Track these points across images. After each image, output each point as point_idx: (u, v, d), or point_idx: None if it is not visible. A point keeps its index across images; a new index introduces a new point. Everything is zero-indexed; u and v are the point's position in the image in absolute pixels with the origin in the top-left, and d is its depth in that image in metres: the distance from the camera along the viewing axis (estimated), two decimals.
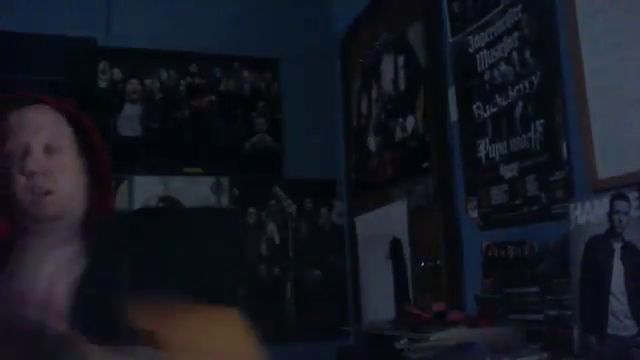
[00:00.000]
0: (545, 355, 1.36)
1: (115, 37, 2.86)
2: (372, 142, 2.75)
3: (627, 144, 1.39)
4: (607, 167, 1.44)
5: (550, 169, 1.63)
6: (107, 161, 1.24)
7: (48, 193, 1.13)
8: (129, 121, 2.89)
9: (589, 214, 1.36)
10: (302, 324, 2.94)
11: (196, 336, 1.01)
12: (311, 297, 2.99)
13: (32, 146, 1.13)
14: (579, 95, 1.53)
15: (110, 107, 2.87)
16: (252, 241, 2.94)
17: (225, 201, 2.94)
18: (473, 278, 1.97)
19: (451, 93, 2.13)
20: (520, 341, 1.47)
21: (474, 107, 1.97)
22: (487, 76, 1.91)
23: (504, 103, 1.82)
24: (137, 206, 2.76)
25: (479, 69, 1.94)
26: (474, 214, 1.97)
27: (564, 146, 1.60)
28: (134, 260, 1.10)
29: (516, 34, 1.77)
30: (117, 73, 2.90)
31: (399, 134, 2.48)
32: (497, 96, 1.85)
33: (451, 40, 2.12)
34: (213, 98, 3.03)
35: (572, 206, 1.42)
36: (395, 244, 2.45)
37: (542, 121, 1.67)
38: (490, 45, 1.89)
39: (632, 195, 1.26)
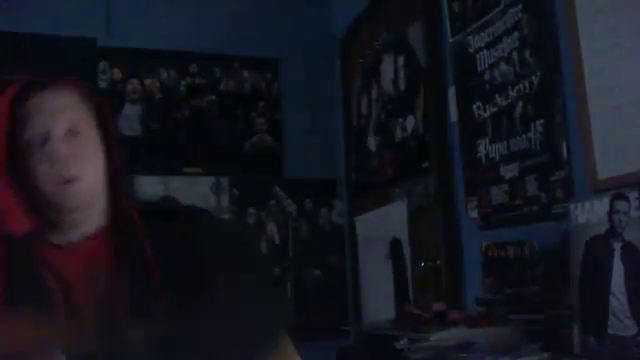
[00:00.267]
0: (545, 355, 1.36)
1: (115, 37, 2.86)
2: (372, 142, 2.75)
3: (627, 144, 1.39)
4: (607, 167, 1.44)
5: (550, 169, 1.63)
6: (122, 146, 1.15)
7: (72, 181, 1.03)
8: (129, 121, 2.90)
9: (589, 214, 1.36)
10: (302, 324, 2.94)
11: None
12: (311, 297, 2.99)
13: (53, 131, 1.04)
14: (579, 95, 1.53)
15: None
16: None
17: (225, 201, 2.95)
18: (473, 278, 1.97)
19: (451, 93, 2.13)
20: (520, 341, 1.47)
21: (474, 107, 1.97)
22: (487, 76, 1.91)
23: (504, 103, 1.82)
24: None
25: (479, 69, 1.94)
26: (474, 214, 1.97)
27: (564, 146, 1.60)
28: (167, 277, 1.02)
29: (516, 34, 1.77)
30: (117, 73, 2.90)
31: (399, 134, 2.48)
32: (497, 96, 1.85)
33: (451, 40, 2.12)
34: (213, 98, 3.03)
35: (572, 206, 1.42)
36: (395, 244, 2.45)
37: (542, 121, 1.67)
38: (490, 45, 1.89)
39: (632, 195, 1.26)
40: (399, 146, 2.48)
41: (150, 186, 2.82)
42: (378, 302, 2.59)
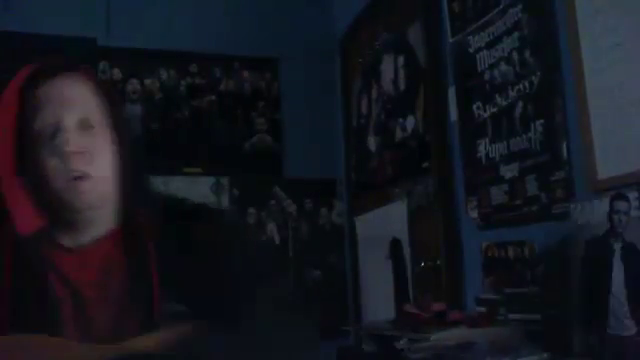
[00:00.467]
0: (545, 355, 1.36)
1: (115, 37, 2.86)
2: (372, 142, 2.75)
3: (627, 144, 1.39)
4: (607, 167, 1.44)
5: (550, 169, 1.63)
6: (136, 142, 1.10)
7: (83, 178, 0.97)
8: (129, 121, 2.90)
9: (589, 214, 1.36)
10: None
11: None
12: (311, 297, 2.99)
13: (64, 122, 0.98)
14: (579, 95, 1.53)
15: None
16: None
17: (225, 201, 2.94)
18: (473, 278, 1.97)
19: (451, 93, 2.13)
20: (520, 341, 1.47)
21: (474, 107, 1.97)
22: (487, 76, 1.91)
23: (504, 103, 1.82)
24: None
25: (479, 69, 1.94)
26: (474, 214, 1.97)
27: (564, 146, 1.60)
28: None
29: (516, 34, 1.77)
30: (117, 73, 2.90)
31: (399, 134, 2.48)
32: (497, 96, 1.85)
33: (451, 40, 2.12)
34: (213, 98, 3.03)
35: (572, 206, 1.42)
36: (395, 244, 2.45)
37: (542, 121, 1.67)
38: (490, 45, 1.89)
39: (632, 195, 1.26)
40: (399, 146, 2.48)
41: None
42: (378, 302, 2.59)
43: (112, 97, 1.06)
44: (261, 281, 1.03)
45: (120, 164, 1.03)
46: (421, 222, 2.30)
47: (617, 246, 1.27)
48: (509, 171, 1.80)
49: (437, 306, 1.81)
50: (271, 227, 3.00)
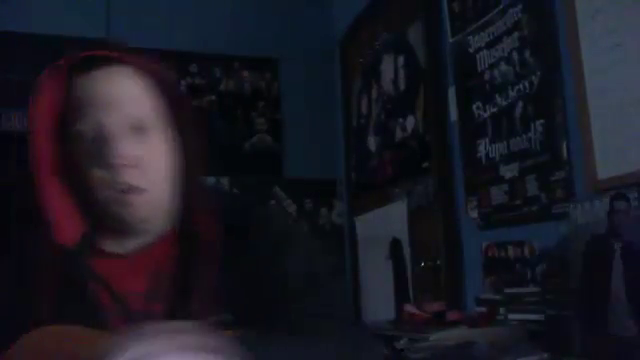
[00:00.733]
0: (545, 355, 1.36)
1: (115, 37, 2.86)
2: (372, 142, 2.75)
3: (627, 144, 1.39)
4: (607, 167, 1.44)
5: (550, 169, 1.63)
6: (200, 142, 0.93)
7: (134, 191, 0.85)
8: None
9: (589, 214, 1.36)
10: None
11: None
12: None
13: (112, 126, 0.84)
14: (579, 95, 1.53)
15: None
16: None
17: None
18: (473, 278, 1.97)
19: (451, 93, 2.13)
20: (520, 341, 1.47)
21: (474, 107, 1.97)
22: (487, 76, 1.91)
23: (504, 103, 1.82)
24: None
25: (479, 69, 1.94)
26: (474, 214, 1.97)
27: (564, 146, 1.60)
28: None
29: (516, 34, 1.77)
30: None
31: (399, 134, 2.48)
32: (497, 96, 1.85)
33: (451, 40, 2.12)
34: (213, 98, 3.03)
35: (572, 206, 1.42)
36: (395, 244, 2.45)
37: (542, 121, 1.67)
38: (490, 45, 1.89)
39: (632, 195, 1.26)
40: (399, 146, 2.48)
41: None
42: (378, 302, 2.59)
43: (173, 94, 0.91)
44: (318, 290, 0.90)
45: (178, 168, 0.91)
46: (421, 222, 2.29)
47: (617, 246, 1.27)
48: (509, 171, 1.80)
49: (437, 306, 1.81)
50: None
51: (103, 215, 0.87)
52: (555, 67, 1.63)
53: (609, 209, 1.30)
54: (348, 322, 0.92)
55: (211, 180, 2.95)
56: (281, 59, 3.14)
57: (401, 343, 1.54)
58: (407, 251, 2.37)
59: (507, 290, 1.66)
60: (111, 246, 0.91)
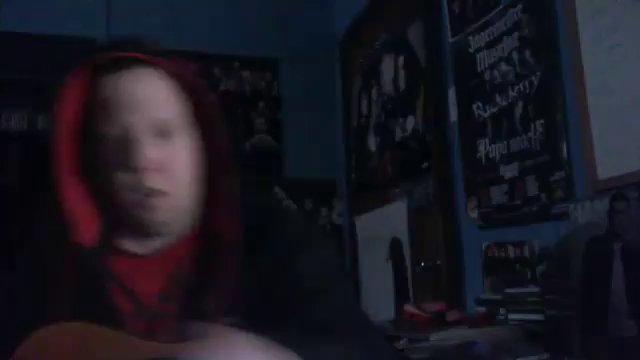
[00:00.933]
0: (545, 355, 1.36)
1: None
2: (372, 142, 2.75)
3: (627, 144, 1.39)
4: (607, 167, 1.44)
5: (550, 169, 1.63)
6: (226, 146, 0.91)
7: (159, 194, 0.84)
8: None
9: (589, 214, 1.36)
10: None
11: None
12: None
13: (138, 130, 0.84)
14: (579, 95, 1.53)
15: None
16: None
17: None
18: (473, 278, 1.97)
19: (451, 93, 2.13)
20: (520, 341, 1.47)
21: (474, 107, 1.97)
22: (487, 76, 1.91)
23: (504, 103, 1.82)
24: None
25: (479, 69, 1.94)
26: (474, 214, 1.97)
27: (564, 146, 1.60)
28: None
29: (516, 34, 1.77)
30: None
31: (399, 134, 2.48)
32: (497, 96, 1.85)
33: (451, 40, 2.12)
34: None
35: (572, 206, 1.42)
36: (395, 244, 2.45)
37: (542, 121, 1.67)
38: (490, 45, 1.89)
39: (632, 195, 1.25)
40: (399, 146, 2.48)
41: None
42: (378, 302, 2.59)
43: (200, 97, 0.91)
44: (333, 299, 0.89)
45: (202, 171, 0.91)
46: (421, 222, 2.29)
47: (617, 246, 1.27)
48: (509, 171, 1.80)
49: (437, 306, 1.81)
50: None
51: (124, 217, 0.87)
52: (555, 67, 1.63)
53: (609, 209, 1.30)
54: (365, 324, 0.92)
55: None
56: (281, 59, 3.14)
57: (401, 343, 1.54)
58: (407, 251, 2.37)
59: (507, 290, 1.66)
60: (130, 246, 0.91)
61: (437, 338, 1.49)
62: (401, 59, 2.49)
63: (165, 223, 0.87)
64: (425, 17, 2.28)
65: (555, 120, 1.63)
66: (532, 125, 1.70)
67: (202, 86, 0.90)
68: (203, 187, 0.91)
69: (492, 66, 1.88)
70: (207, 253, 0.89)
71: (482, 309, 1.74)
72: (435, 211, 2.17)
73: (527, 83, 1.72)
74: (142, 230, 0.88)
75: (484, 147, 1.91)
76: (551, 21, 1.64)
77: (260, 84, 3.12)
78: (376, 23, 2.70)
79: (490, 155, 1.89)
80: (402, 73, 2.48)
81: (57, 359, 0.72)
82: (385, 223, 2.56)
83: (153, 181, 0.84)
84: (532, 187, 1.70)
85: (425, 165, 2.27)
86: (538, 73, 1.68)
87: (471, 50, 1.99)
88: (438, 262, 2.14)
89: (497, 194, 1.85)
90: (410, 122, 2.40)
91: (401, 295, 2.38)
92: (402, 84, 2.48)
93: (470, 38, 1.99)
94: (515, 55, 1.78)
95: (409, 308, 1.88)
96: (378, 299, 2.60)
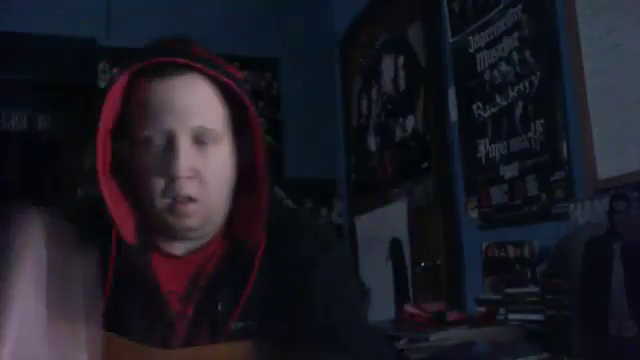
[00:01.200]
0: (545, 355, 1.36)
1: (115, 37, 2.86)
2: (372, 142, 2.75)
3: (627, 144, 1.39)
4: (607, 167, 1.44)
5: (550, 169, 1.63)
6: (262, 156, 0.92)
7: (190, 201, 0.86)
8: None
9: (589, 214, 1.36)
10: None
11: None
12: None
13: (180, 137, 0.84)
14: (579, 95, 1.53)
15: None
16: None
17: None
18: (473, 278, 1.97)
19: (451, 93, 2.13)
20: (520, 341, 1.47)
21: (474, 107, 1.97)
22: (487, 76, 1.91)
23: (504, 103, 1.82)
24: None
25: (479, 69, 1.94)
26: (474, 214, 1.97)
27: (564, 146, 1.60)
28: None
29: (516, 34, 1.77)
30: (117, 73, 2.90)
31: (399, 134, 2.48)
32: (497, 96, 1.85)
33: (451, 40, 2.12)
34: None
35: (572, 206, 1.42)
36: (395, 244, 2.45)
37: (542, 121, 1.67)
38: (490, 45, 1.89)
39: (632, 195, 1.25)
40: (399, 146, 2.48)
41: None
42: (378, 302, 2.59)
43: (241, 105, 0.90)
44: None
45: (236, 178, 0.93)
46: (421, 222, 2.29)
47: (617, 246, 1.27)
48: (509, 171, 1.80)
49: (437, 306, 1.81)
50: None
51: (155, 220, 0.89)
52: (555, 67, 1.63)
53: (609, 209, 1.30)
54: (376, 337, 0.94)
55: None
56: (281, 59, 3.14)
57: (401, 343, 1.54)
58: (407, 251, 2.37)
59: (507, 290, 1.66)
60: (166, 246, 0.93)
61: (437, 338, 1.49)
62: (401, 59, 2.49)
63: (193, 229, 0.89)
64: (425, 17, 2.28)
65: (555, 120, 1.63)
66: (532, 125, 1.70)
67: (244, 93, 0.89)
68: (234, 193, 0.93)
69: (492, 66, 1.88)
70: (228, 258, 0.91)
71: (482, 309, 1.74)
72: (435, 211, 2.17)
73: (527, 83, 1.72)
74: (172, 234, 0.90)
75: (484, 147, 1.91)
76: (551, 21, 1.64)
77: (260, 84, 3.12)
78: (376, 23, 2.70)
79: (490, 155, 1.89)
80: (402, 73, 2.48)
81: None
82: (385, 223, 2.56)
83: (188, 189, 0.85)
84: (532, 187, 1.70)
85: (425, 165, 2.27)
86: (538, 73, 1.68)
87: (471, 50, 1.99)
88: (438, 262, 2.14)
89: (497, 194, 1.85)
90: (410, 122, 2.40)
91: (401, 295, 2.38)
92: (402, 84, 2.48)
93: (470, 38, 1.99)
94: (515, 55, 1.78)
95: (409, 308, 1.88)
96: (378, 299, 2.60)
